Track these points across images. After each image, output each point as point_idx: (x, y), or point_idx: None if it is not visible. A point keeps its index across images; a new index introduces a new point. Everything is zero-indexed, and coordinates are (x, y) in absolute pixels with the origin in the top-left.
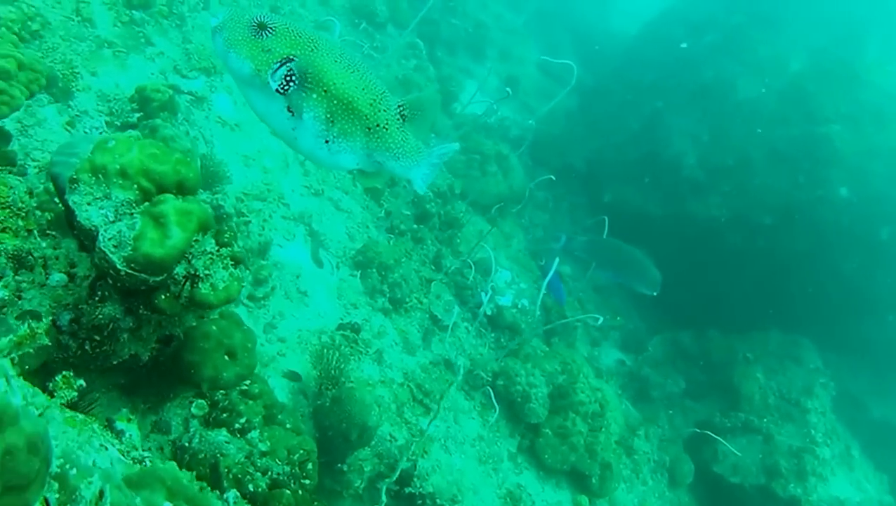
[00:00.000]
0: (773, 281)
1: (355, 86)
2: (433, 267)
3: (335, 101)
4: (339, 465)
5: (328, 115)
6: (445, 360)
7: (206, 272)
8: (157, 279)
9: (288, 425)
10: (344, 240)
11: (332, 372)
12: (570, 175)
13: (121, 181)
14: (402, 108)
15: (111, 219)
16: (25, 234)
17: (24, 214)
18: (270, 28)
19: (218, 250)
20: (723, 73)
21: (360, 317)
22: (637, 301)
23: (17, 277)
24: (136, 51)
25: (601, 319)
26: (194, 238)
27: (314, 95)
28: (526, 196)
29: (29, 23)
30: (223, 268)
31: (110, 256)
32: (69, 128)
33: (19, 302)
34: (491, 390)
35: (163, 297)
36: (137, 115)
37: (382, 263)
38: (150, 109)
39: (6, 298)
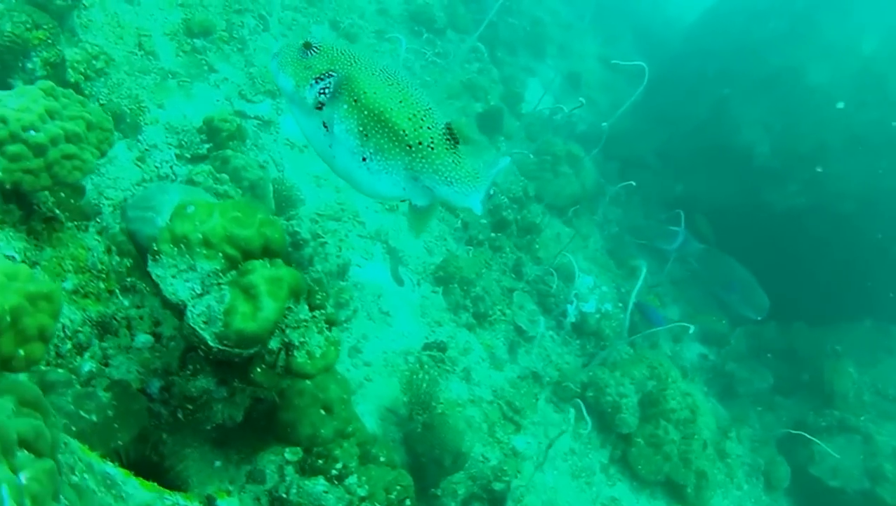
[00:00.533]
0: (859, 269)
1: (390, 97)
2: (514, 275)
3: (366, 112)
4: (433, 490)
5: (361, 129)
6: (533, 372)
7: (302, 340)
8: (251, 352)
9: (382, 459)
10: (423, 255)
11: (423, 397)
12: (640, 167)
13: (205, 251)
14: (450, 128)
15: (198, 292)
16: (107, 295)
17: (104, 276)
18: (316, 47)
19: (312, 315)
20: (791, 60)
21: (445, 334)
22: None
23: (102, 344)
24: (200, 79)
25: (692, 327)
26: (287, 306)
27: (344, 106)
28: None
29: (94, 62)
30: (318, 332)
31: (201, 332)
32: (140, 163)
33: (107, 370)
34: (581, 403)
35: (258, 370)
36: (207, 145)
37: (464, 277)
38: (220, 140)
39: (94, 369)
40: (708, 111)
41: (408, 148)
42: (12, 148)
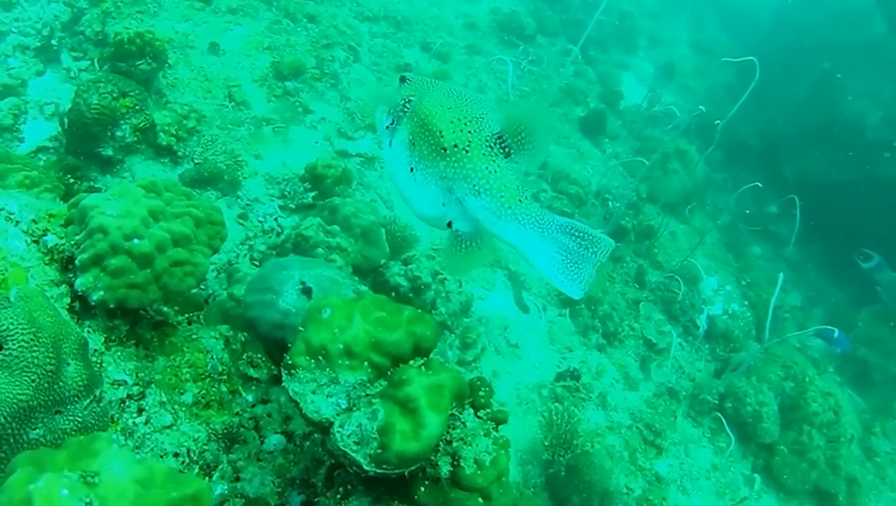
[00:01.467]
0: None
1: (440, 104)
2: (637, 285)
3: (416, 119)
4: None
5: (410, 137)
6: (668, 388)
7: (468, 447)
8: (412, 469)
9: None
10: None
11: (563, 436)
12: (744, 152)
13: (348, 361)
14: (502, 137)
15: (344, 407)
16: (230, 396)
17: (226, 377)
18: (408, 80)
19: (475, 416)
20: None
21: (577, 359)
22: (835, 272)
23: (230, 457)
24: (295, 122)
25: (837, 331)
26: (450, 413)
27: (404, 121)
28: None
29: (184, 121)
30: (484, 434)
31: (352, 455)
32: (242, 221)
33: (239, 486)
34: (722, 417)
35: (422, 489)
36: (312, 194)
37: (591, 297)
38: (325, 187)
39: (226, 491)
40: (810, 87)
41: (443, 151)
42: (115, 261)
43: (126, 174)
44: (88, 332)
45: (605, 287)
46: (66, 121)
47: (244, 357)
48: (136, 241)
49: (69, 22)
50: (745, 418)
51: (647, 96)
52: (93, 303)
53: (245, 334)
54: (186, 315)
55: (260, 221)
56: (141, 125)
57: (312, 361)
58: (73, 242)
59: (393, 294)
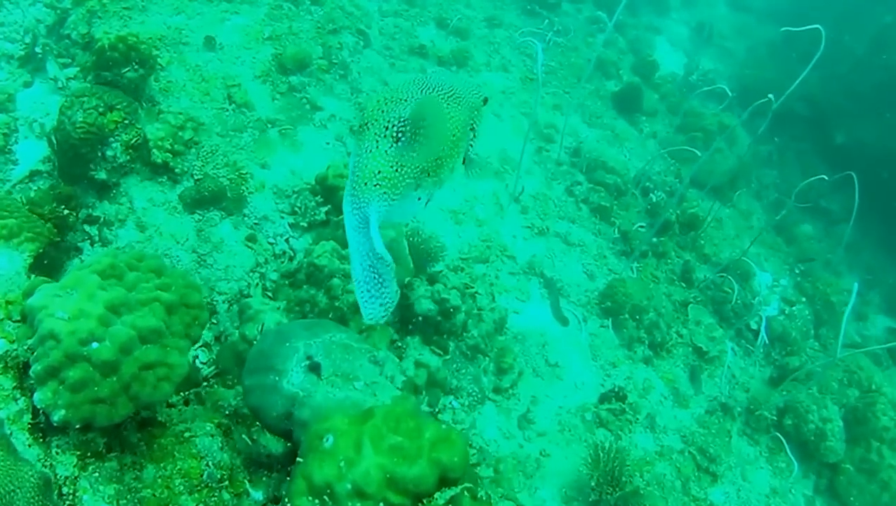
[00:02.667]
0: None
1: (390, 88)
2: (683, 284)
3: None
4: None
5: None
6: (722, 404)
7: None
8: None
9: None
10: (583, 281)
11: (611, 471)
12: (792, 120)
13: (359, 504)
14: (405, 124)
15: None
16: (236, 501)
17: (227, 481)
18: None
19: None
20: None
21: (622, 376)
22: (891, 250)
23: None
24: (303, 121)
25: None
26: None
27: None
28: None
29: (180, 133)
30: None
31: None
32: (251, 244)
33: None
34: (784, 441)
35: None
36: (325, 208)
37: (635, 305)
38: (339, 200)
39: None
40: (866, 45)
41: (358, 129)
42: (73, 373)
43: (124, 199)
44: (58, 452)
45: (649, 293)
46: (53, 141)
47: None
48: (94, 345)
49: (54, 25)
50: (807, 437)
51: (686, 64)
52: (55, 424)
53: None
54: (182, 394)
55: (270, 243)
56: (133, 141)
57: (316, 501)
58: (25, 347)
59: (420, 319)
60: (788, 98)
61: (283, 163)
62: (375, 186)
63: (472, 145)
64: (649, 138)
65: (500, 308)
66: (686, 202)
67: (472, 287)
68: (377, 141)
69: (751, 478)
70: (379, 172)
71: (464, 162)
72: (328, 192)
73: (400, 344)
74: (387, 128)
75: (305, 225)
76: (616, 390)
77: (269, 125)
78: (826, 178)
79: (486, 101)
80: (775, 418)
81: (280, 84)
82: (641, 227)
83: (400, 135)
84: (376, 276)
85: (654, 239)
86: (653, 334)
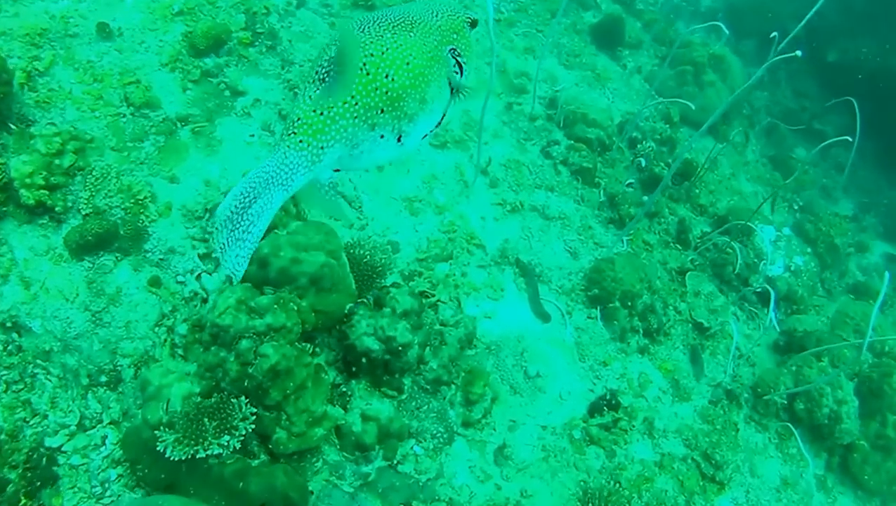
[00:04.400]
0: None
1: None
2: (679, 246)
3: None
4: None
5: None
6: (727, 391)
7: None
8: None
9: None
10: (566, 262)
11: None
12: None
13: None
14: (332, 66)
15: None
16: None
17: None
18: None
19: None
20: None
21: (614, 375)
22: (889, 170)
23: None
24: (222, 112)
25: None
26: None
27: None
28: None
29: (57, 162)
30: None
31: None
32: (154, 289)
33: None
34: (797, 436)
35: None
36: None
37: (626, 291)
38: None
39: None
40: None
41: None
42: None
43: (4, 248)
44: None
45: (641, 272)
46: None
47: None
48: None
49: None
50: (821, 421)
51: None
52: None
53: None
54: None
55: (180, 283)
56: None
57: None
58: None
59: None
60: (779, 18)
61: (195, 172)
62: (291, 134)
63: (457, 73)
64: (634, 75)
65: (466, 319)
66: (679, 144)
67: (433, 295)
68: (306, 88)
69: (760, 471)
70: (298, 119)
71: (453, 92)
72: None
73: (345, 389)
74: (317, 73)
75: None
76: (608, 395)
77: (180, 124)
78: (850, 139)
79: (473, 22)
80: (785, 401)
81: (193, 70)
82: (630, 184)
83: (326, 76)
84: (246, 225)
85: (645, 197)
86: (648, 320)
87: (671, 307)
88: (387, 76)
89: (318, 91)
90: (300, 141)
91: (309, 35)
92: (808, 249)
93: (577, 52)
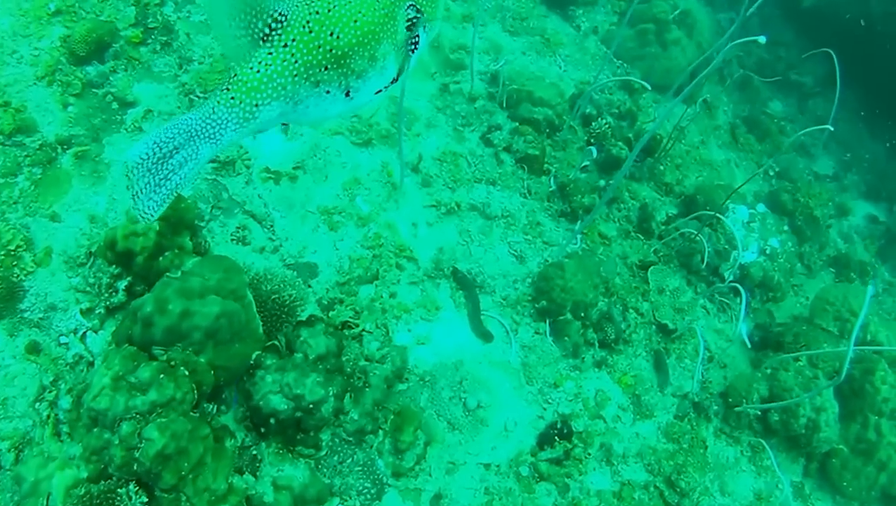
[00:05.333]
0: None
1: None
2: (641, 236)
3: None
4: None
5: None
6: (694, 403)
7: None
8: None
9: None
10: (512, 269)
11: None
12: None
13: None
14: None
15: None
16: None
17: None
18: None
19: None
20: None
21: (567, 398)
22: (869, 123)
23: None
24: (110, 129)
25: None
26: None
27: None
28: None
29: None
30: None
31: None
32: (33, 357)
33: None
34: (772, 455)
35: None
36: (123, 283)
37: (579, 301)
38: (140, 268)
39: None
40: None
41: None
42: None
43: None
44: None
45: (595, 279)
46: None
47: None
48: None
49: None
50: (798, 432)
51: None
52: None
53: None
54: None
55: (63, 345)
56: None
57: None
58: None
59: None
60: None
61: (79, 206)
62: (225, 90)
63: (412, 30)
64: (589, 36)
65: (395, 352)
66: (641, 115)
67: (356, 326)
68: (249, 50)
69: (731, 488)
70: (235, 76)
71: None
72: (122, 259)
73: (255, 452)
74: (260, 29)
75: (103, 310)
76: (559, 422)
77: (61, 149)
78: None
79: None
80: (758, 412)
81: (73, 82)
82: (584, 168)
83: (266, 36)
84: (165, 174)
85: (602, 181)
86: (604, 330)
87: (632, 310)
88: (332, 34)
89: (257, 48)
90: (232, 98)
91: (210, 25)
92: (786, 227)
93: (523, 14)
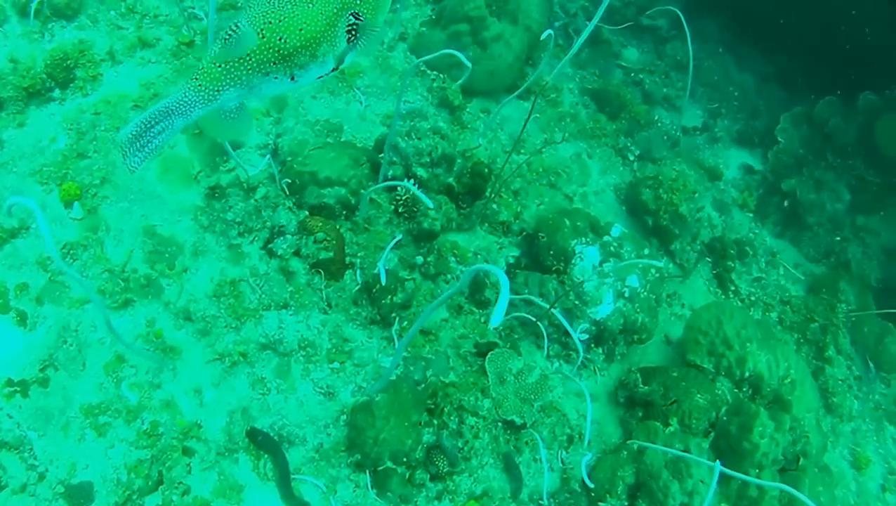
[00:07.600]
0: None
1: None
2: (472, 308)
3: None
4: None
5: None
6: None
7: None
8: None
9: None
10: (319, 410)
11: None
12: None
13: None
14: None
15: None
16: None
17: None
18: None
19: None
20: None
21: None
22: (732, 49)
23: None
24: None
25: None
26: None
27: None
28: None
29: None
30: None
31: None
32: None
33: None
34: None
35: None
36: None
37: (396, 450)
38: None
39: None
40: None
41: None
42: None
43: None
44: None
45: (416, 414)
46: None
47: None
48: None
49: None
50: None
51: None
52: None
53: None
54: None
55: None
56: None
57: None
58: None
59: None
60: None
61: None
62: (194, 79)
63: (353, 33)
64: (395, 48)
65: None
66: (465, 135)
67: None
68: (214, 44)
69: None
70: (202, 69)
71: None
72: None
73: None
74: (226, 33)
75: None
76: None
77: None
78: None
79: None
80: (626, 504)
81: None
82: (398, 243)
83: (228, 37)
84: (149, 138)
85: (420, 259)
86: (436, 464)
87: (469, 415)
88: (280, 39)
89: (220, 48)
90: (199, 85)
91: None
92: (646, 250)
93: None
